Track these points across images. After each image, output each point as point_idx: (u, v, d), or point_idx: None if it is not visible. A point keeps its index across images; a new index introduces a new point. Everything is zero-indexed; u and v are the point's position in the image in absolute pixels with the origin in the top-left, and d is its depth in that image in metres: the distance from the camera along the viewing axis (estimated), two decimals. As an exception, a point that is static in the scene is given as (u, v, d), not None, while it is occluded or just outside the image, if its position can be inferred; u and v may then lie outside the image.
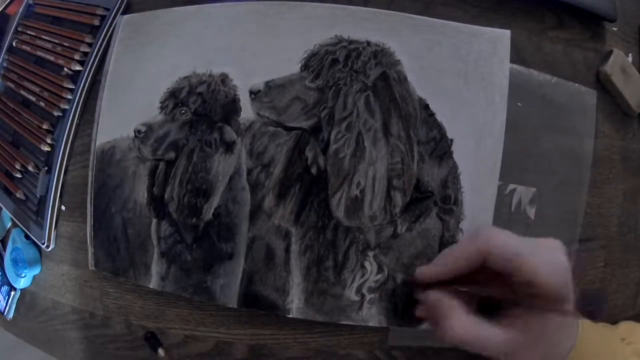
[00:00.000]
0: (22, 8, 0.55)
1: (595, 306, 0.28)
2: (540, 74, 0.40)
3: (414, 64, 0.38)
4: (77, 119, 0.47)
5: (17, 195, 0.51)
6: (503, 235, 0.31)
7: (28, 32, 0.53)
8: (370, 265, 0.38)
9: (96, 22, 0.47)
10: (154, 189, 0.42)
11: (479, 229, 0.33)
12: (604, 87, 0.42)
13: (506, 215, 0.39)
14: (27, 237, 0.51)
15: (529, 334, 0.30)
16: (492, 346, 0.30)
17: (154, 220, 0.42)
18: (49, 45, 0.50)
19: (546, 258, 0.30)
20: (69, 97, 0.47)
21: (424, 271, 0.34)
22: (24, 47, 0.53)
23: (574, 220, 0.41)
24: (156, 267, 0.42)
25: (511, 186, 0.39)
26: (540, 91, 0.40)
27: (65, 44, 0.49)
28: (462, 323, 0.31)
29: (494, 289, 0.32)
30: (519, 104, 0.39)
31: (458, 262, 0.32)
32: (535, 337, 0.30)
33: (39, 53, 0.51)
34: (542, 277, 0.29)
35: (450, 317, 0.31)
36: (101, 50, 0.46)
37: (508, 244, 0.30)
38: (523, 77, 0.39)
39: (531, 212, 0.40)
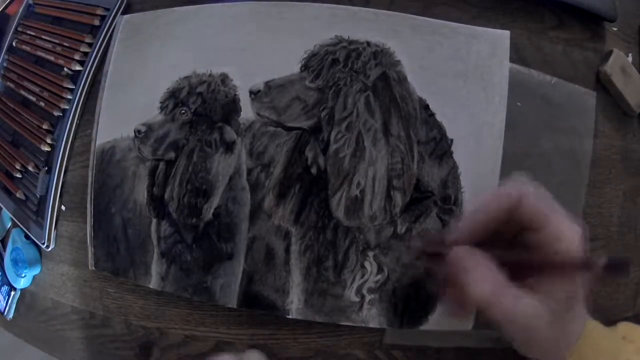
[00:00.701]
0: (22, 8, 0.55)
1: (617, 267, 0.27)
2: (540, 73, 0.40)
3: (414, 64, 0.38)
4: (77, 119, 0.47)
5: (17, 195, 0.51)
6: (536, 189, 0.30)
7: (28, 32, 0.53)
8: (370, 266, 0.38)
9: (96, 22, 0.47)
10: (154, 189, 0.42)
11: (510, 179, 0.32)
12: (604, 87, 0.42)
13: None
14: (27, 237, 0.51)
15: (552, 308, 0.28)
16: (519, 313, 0.28)
17: (154, 220, 0.42)
18: (49, 45, 0.50)
19: (571, 222, 0.29)
20: (69, 97, 0.47)
21: (458, 223, 0.32)
22: (24, 47, 0.53)
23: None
24: (156, 267, 0.42)
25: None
26: (539, 90, 0.40)
27: (65, 44, 0.49)
28: (491, 278, 0.28)
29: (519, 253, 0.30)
30: (518, 103, 0.39)
31: (492, 205, 0.30)
32: (556, 312, 0.28)
33: (39, 53, 0.51)
34: (569, 234, 0.28)
35: (477, 271, 0.28)
36: (101, 50, 0.46)
37: (543, 193, 0.30)
38: (523, 77, 0.39)
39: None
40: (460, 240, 0.31)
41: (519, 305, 0.28)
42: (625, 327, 0.37)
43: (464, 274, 0.29)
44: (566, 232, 0.28)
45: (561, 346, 0.30)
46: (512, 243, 0.32)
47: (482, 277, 0.28)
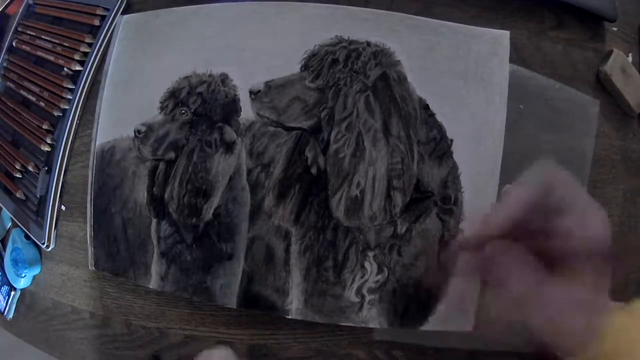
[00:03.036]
0: (22, 8, 0.55)
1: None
2: (545, 78, 0.40)
3: (413, 64, 0.38)
4: (77, 119, 0.47)
5: (17, 195, 0.51)
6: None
7: (28, 32, 0.53)
8: (370, 266, 0.38)
9: (96, 22, 0.47)
10: (154, 189, 0.42)
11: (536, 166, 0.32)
12: (604, 87, 0.42)
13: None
14: (27, 237, 0.51)
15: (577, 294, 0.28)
16: (557, 303, 0.28)
17: (154, 220, 0.42)
18: (49, 45, 0.50)
19: (595, 204, 0.29)
20: (69, 97, 0.47)
21: (485, 218, 0.31)
22: (24, 47, 0.53)
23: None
24: (156, 267, 0.42)
25: (507, 187, 0.38)
26: (541, 93, 0.40)
27: (65, 44, 0.49)
28: (529, 274, 0.28)
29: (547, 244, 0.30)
30: (520, 106, 0.39)
31: (523, 195, 0.30)
32: (582, 300, 0.28)
33: (39, 53, 0.51)
34: (594, 219, 0.28)
35: (516, 267, 0.29)
36: (101, 50, 0.46)
37: (570, 179, 0.29)
38: (526, 80, 0.39)
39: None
40: (494, 233, 0.30)
41: (554, 300, 0.28)
42: None
43: (502, 270, 0.29)
44: (592, 217, 0.28)
45: (586, 334, 0.30)
46: (536, 233, 0.31)
47: (521, 273, 0.29)
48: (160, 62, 0.43)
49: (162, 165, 0.42)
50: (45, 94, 0.49)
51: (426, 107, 0.38)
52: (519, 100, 0.38)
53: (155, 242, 0.42)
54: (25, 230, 0.51)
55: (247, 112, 0.39)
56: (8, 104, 0.53)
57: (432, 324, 0.38)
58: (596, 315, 0.29)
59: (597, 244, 0.28)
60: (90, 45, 0.47)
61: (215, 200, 0.40)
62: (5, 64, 0.55)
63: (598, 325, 0.29)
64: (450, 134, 0.38)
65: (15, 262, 0.52)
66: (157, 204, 0.42)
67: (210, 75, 0.41)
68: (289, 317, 0.38)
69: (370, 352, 0.41)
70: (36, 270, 0.51)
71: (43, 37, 0.51)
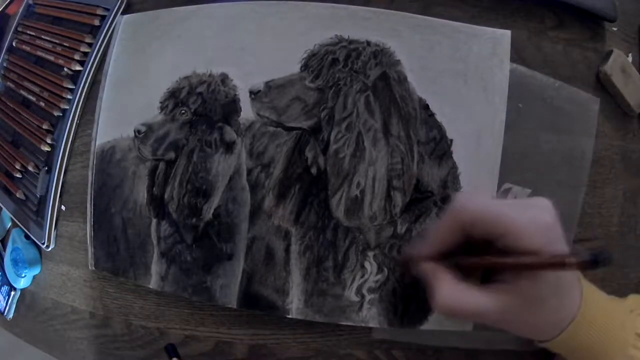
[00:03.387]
0: (22, 8, 0.55)
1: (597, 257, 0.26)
2: (544, 76, 0.40)
3: (414, 64, 0.38)
4: (77, 119, 0.47)
5: (17, 195, 0.51)
6: (480, 202, 0.30)
7: (28, 32, 0.53)
8: (370, 266, 0.38)
9: (96, 22, 0.47)
10: (154, 189, 0.42)
11: (455, 198, 0.32)
12: (604, 87, 0.42)
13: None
14: (27, 237, 0.51)
15: (521, 299, 0.29)
16: (481, 314, 0.30)
17: (154, 220, 0.42)
18: (49, 45, 0.50)
19: (528, 218, 0.28)
20: (69, 97, 0.47)
21: (417, 251, 0.34)
22: (24, 47, 0.53)
23: (572, 221, 0.41)
24: (156, 267, 0.42)
25: (506, 185, 0.38)
26: (541, 92, 0.40)
27: (65, 44, 0.49)
28: (447, 292, 0.30)
29: (488, 256, 0.31)
30: (519, 105, 0.39)
31: (443, 238, 0.32)
32: (528, 303, 0.29)
33: (39, 53, 0.51)
34: (525, 239, 0.28)
35: (437, 287, 0.31)
36: (101, 50, 0.46)
37: (486, 210, 0.29)
38: (525, 78, 0.39)
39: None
40: (427, 255, 0.33)
41: (477, 308, 0.30)
42: (634, 301, 0.36)
43: (431, 291, 0.32)
44: (525, 239, 0.28)
45: (547, 326, 0.31)
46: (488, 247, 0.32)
47: (439, 292, 0.31)
48: (160, 62, 0.43)
49: (162, 165, 0.42)
50: (45, 94, 0.49)
51: (426, 107, 0.38)
52: (518, 99, 0.38)
53: (155, 242, 0.42)
54: (25, 230, 0.51)
55: (247, 112, 0.39)
56: (8, 104, 0.53)
57: (431, 324, 0.38)
58: (551, 310, 0.30)
59: (539, 257, 0.28)
60: (90, 45, 0.47)
61: (215, 200, 0.40)
62: (5, 64, 0.55)
63: (556, 318, 0.31)
64: (450, 134, 0.38)
65: (15, 262, 0.52)
66: (157, 204, 0.42)
67: (210, 75, 0.41)
68: (289, 316, 0.38)
69: (370, 352, 0.41)
70: (36, 270, 0.51)
71: (43, 37, 0.51)
